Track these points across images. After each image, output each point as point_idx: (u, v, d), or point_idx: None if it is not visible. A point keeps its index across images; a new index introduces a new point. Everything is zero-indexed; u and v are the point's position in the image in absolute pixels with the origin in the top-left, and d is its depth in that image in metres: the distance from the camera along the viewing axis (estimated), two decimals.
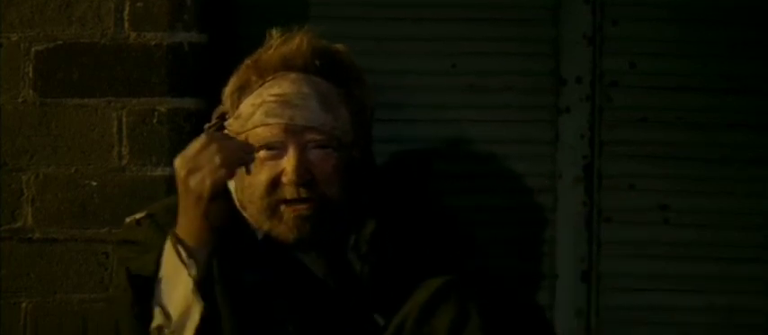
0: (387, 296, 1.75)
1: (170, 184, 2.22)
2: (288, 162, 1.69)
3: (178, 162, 1.68)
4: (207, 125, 1.80)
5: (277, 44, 1.75)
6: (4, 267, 2.26)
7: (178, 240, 1.66)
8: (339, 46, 1.79)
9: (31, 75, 2.22)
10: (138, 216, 1.79)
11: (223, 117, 1.78)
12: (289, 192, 1.70)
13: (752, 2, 2.31)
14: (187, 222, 1.66)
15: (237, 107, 1.74)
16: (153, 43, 2.21)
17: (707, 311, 2.35)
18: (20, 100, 2.23)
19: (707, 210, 2.34)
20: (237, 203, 1.78)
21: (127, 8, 2.20)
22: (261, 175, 1.71)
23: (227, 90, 1.77)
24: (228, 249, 1.71)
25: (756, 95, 2.32)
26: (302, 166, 1.69)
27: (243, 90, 1.74)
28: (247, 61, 1.77)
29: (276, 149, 1.71)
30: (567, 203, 2.34)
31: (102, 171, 2.23)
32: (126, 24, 2.21)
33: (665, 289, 2.35)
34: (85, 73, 2.21)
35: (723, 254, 2.35)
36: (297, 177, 1.68)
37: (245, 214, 1.77)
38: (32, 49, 2.22)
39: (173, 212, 1.73)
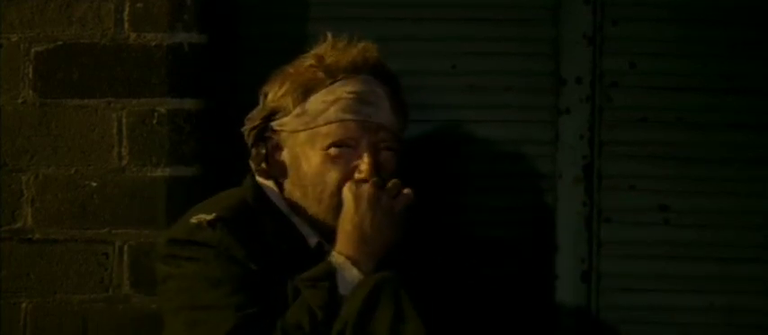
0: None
1: (170, 184, 2.22)
2: (364, 161, 1.73)
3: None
4: (247, 127, 1.79)
5: (341, 47, 1.79)
6: (4, 268, 2.26)
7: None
8: None
9: (30, 75, 2.22)
10: (207, 218, 1.74)
11: (270, 117, 1.78)
12: None
13: (752, 2, 2.31)
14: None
15: (300, 105, 1.75)
16: (153, 44, 2.21)
17: (707, 311, 2.35)
18: (20, 100, 2.23)
19: (707, 210, 2.34)
20: (285, 208, 1.78)
21: (127, 9, 2.20)
22: (331, 172, 1.73)
23: (283, 90, 1.78)
24: (282, 258, 1.72)
25: (756, 95, 2.32)
26: (376, 165, 1.73)
27: (310, 89, 1.76)
28: (309, 61, 1.79)
29: (348, 147, 1.73)
30: (566, 204, 2.34)
31: (102, 172, 2.23)
32: (126, 25, 2.21)
33: (665, 289, 2.35)
34: (85, 73, 2.22)
35: (723, 254, 2.34)
36: (373, 173, 1.72)
37: (294, 220, 1.77)
38: (32, 50, 2.22)
39: (242, 214, 1.75)
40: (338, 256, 1.68)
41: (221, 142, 2.32)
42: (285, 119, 1.77)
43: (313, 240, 1.78)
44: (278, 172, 1.82)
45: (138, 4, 2.20)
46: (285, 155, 1.79)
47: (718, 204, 2.33)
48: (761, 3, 2.31)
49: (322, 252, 1.77)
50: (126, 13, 2.20)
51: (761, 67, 2.31)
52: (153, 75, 2.21)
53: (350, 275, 1.66)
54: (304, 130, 1.74)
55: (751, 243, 2.34)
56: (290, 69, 1.81)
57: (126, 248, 2.25)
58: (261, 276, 1.70)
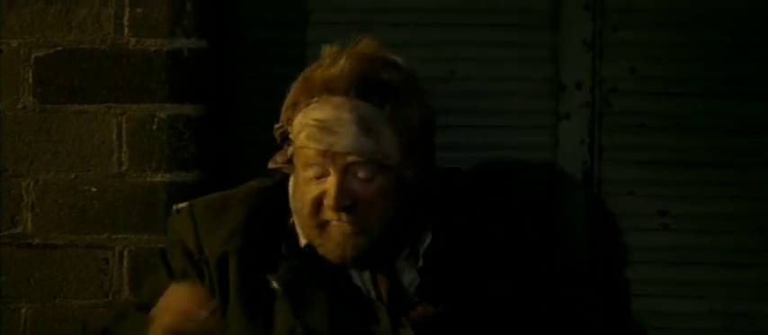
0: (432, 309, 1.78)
1: (170, 189, 2.23)
2: (329, 186, 1.70)
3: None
4: (276, 126, 1.81)
5: (326, 64, 1.74)
6: (3, 273, 2.26)
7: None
8: (397, 58, 1.79)
9: (30, 81, 2.23)
10: (180, 206, 1.86)
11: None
12: (330, 215, 1.72)
13: (752, 6, 2.30)
14: None
15: (291, 123, 1.76)
16: (153, 49, 2.21)
17: (707, 316, 2.34)
18: (20, 106, 2.23)
19: (707, 215, 2.33)
20: (291, 203, 1.80)
21: (127, 14, 2.21)
22: (307, 194, 1.73)
23: (287, 101, 1.78)
24: (263, 248, 1.76)
25: (756, 99, 2.31)
26: (342, 192, 1.69)
27: (295, 107, 1.75)
28: (300, 78, 1.77)
29: (319, 172, 1.72)
30: (567, 209, 2.34)
31: (102, 177, 2.23)
32: (126, 30, 2.21)
33: (664, 295, 2.35)
34: (85, 79, 2.22)
35: (723, 259, 2.34)
36: (335, 203, 1.69)
37: (294, 219, 1.80)
38: (32, 55, 2.22)
39: (212, 209, 1.81)
40: None
41: (221, 148, 2.32)
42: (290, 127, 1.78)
43: (303, 241, 1.79)
44: (292, 177, 1.83)
45: (138, 10, 2.20)
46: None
47: (718, 209, 2.33)
48: (761, 7, 2.30)
49: (314, 254, 1.77)
50: (126, 18, 2.21)
51: (761, 72, 2.31)
52: (153, 80, 2.21)
53: None
54: (295, 144, 1.75)
55: (751, 248, 2.34)
56: (298, 78, 1.80)
57: (126, 253, 2.25)
58: (214, 266, 1.78)
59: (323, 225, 1.72)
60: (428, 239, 1.77)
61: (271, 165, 1.84)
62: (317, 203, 1.72)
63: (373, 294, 1.78)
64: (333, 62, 1.73)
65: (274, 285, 1.76)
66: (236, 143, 2.35)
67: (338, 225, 1.71)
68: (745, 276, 2.34)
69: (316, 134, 1.69)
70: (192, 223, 1.82)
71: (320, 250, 1.74)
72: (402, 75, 1.76)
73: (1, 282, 2.26)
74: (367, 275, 1.79)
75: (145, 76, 2.21)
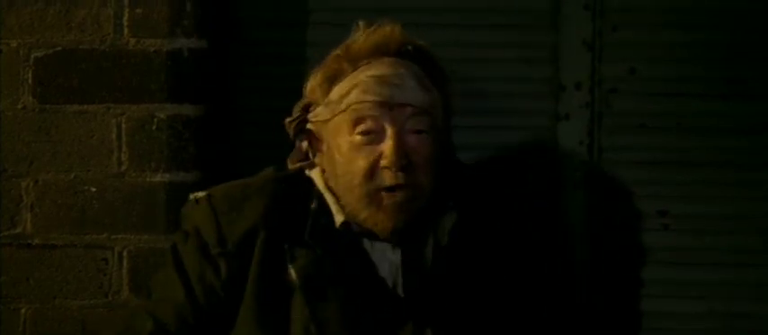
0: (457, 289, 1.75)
1: (169, 190, 2.23)
2: (387, 145, 1.67)
3: None
4: (288, 119, 1.79)
5: (367, 34, 1.76)
6: (3, 273, 2.26)
7: None
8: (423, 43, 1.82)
9: (30, 81, 2.22)
10: (199, 195, 1.80)
11: (307, 109, 1.77)
12: (388, 177, 1.68)
13: (751, 6, 2.31)
14: None
15: (327, 95, 1.73)
16: (152, 49, 2.21)
17: (707, 317, 2.35)
18: (19, 106, 2.23)
19: (706, 215, 2.34)
20: (322, 186, 1.77)
21: (126, 14, 2.20)
22: (359, 160, 1.69)
23: (315, 82, 1.76)
24: (285, 237, 1.73)
25: (756, 99, 2.31)
26: (401, 148, 1.67)
27: (334, 78, 1.73)
28: (336, 51, 1.76)
29: (373, 134, 1.69)
30: (566, 210, 2.34)
31: (102, 177, 2.23)
32: (125, 30, 2.21)
33: (664, 295, 2.35)
34: (85, 79, 2.22)
35: (723, 259, 2.34)
36: (397, 160, 1.66)
37: (327, 197, 1.75)
38: (32, 56, 2.22)
39: (230, 199, 1.76)
40: None
41: (221, 148, 2.32)
42: (318, 109, 1.76)
43: (339, 218, 1.75)
44: (321, 162, 1.80)
45: (138, 10, 2.20)
46: (324, 146, 1.78)
47: (718, 210, 2.33)
48: (760, 7, 2.30)
49: (351, 233, 1.74)
50: (125, 18, 2.21)
51: (760, 72, 2.31)
52: (152, 80, 2.21)
53: None
54: (331, 118, 1.72)
55: (751, 248, 2.34)
56: (324, 60, 1.80)
57: (125, 253, 2.25)
58: (228, 262, 1.74)
59: (374, 196, 1.69)
60: (455, 217, 1.76)
61: (291, 166, 1.84)
62: (371, 170, 1.68)
63: (399, 282, 1.75)
64: (375, 30, 1.75)
65: (293, 275, 1.72)
66: (235, 143, 2.35)
67: (391, 194, 1.68)
68: (745, 276, 2.34)
69: (374, 87, 1.68)
70: (211, 214, 1.76)
71: (368, 222, 1.70)
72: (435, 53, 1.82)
73: (0, 282, 2.26)
74: (398, 253, 1.76)
75: (144, 77, 2.21)
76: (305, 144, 1.81)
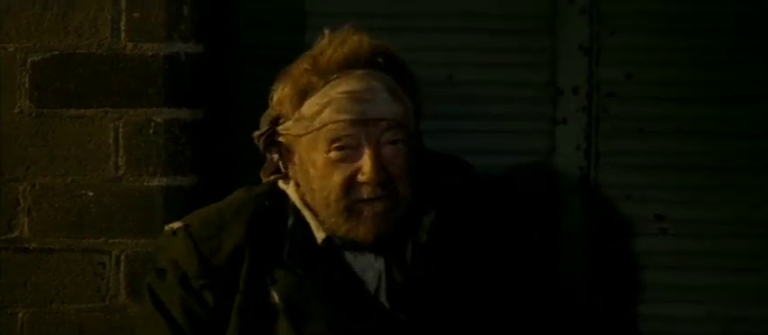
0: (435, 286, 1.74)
1: (166, 194, 2.22)
2: (365, 161, 1.66)
3: None
4: (257, 133, 1.78)
5: (335, 45, 1.73)
6: (0, 277, 2.26)
7: None
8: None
9: (27, 85, 2.22)
10: (174, 226, 1.76)
11: (276, 122, 1.76)
12: (366, 191, 1.68)
13: (748, 11, 2.31)
14: None
15: (297, 110, 1.72)
16: (150, 54, 2.21)
17: (706, 321, 2.35)
18: (16, 110, 2.23)
19: (704, 220, 2.34)
20: (298, 203, 1.76)
21: (123, 19, 2.20)
22: (334, 176, 1.68)
23: (283, 94, 1.74)
24: (266, 261, 1.71)
25: (754, 103, 2.32)
26: (379, 164, 1.67)
27: (305, 93, 1.71)
28: (304, 65, 1.74)
29: (349, 149, 1.68)
30: (564, 214, 2.34)
31: (99, 181, 2.23)
32: (123, 35, 2.21)
33: (663, 299, 2.35)
34: (82, 83, 2.22)
35: (721, 264, 2.34)
36: (376, 176, 1.66)
37: (305, 214, 1.74)
38: (29, 60, 2.22)
39: (209, 227, 1.73)
40: None
41: (218, 152, 2.32)
42: (288, 123, 1.74)
43: (320, 235, 1.74)
44: (295, 175, 1.79)
45: (135, 14, 2.20)
46: (296, 159, 1.77)
47: (716, 214, 2.33)
48: (757, 12, 2.31)
49: (333, 248, 1.74)
50: (123, 23, 2.21)
51: (758, 76, 2.31)
52: (150, 85, 2.21)
53: None
54: (305, 134, 1.72)
55: (750, 252, 2.34)
56: (292, 70, 1.78)
57: (123, 257, 2.25)
58: (212, 291, 1.71)
59: (352, 208, 1.68)
60: (434, 213, 1.76)
61: (265, 179, 1.82)
62: (347, 185, 1.68)
63: (384, 295, 1.74)
64: (344, 41, 1.73)
65: (275, 298, 1.70)
66: (233, 148, 2.35)
67: (371, 205, 1.68)
68: (743, 280, 2.34)
69: (347, 105, 1.67)
70: (191, 244, 1.72)
71: (350, 235, 1.70)
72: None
73: None
74: (381, 261, 1.76)
75: (142, 81, 2.21)
76: (276, 157, 1.79)
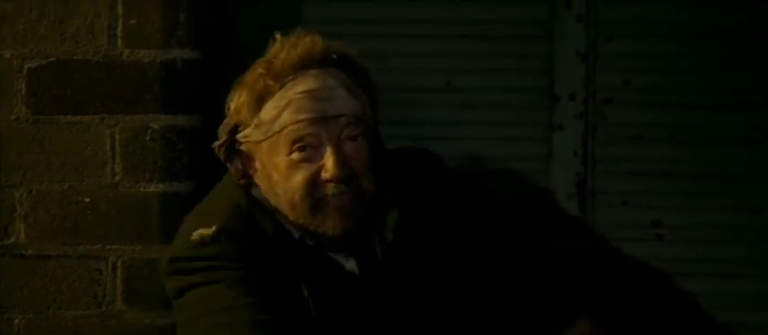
0: (407, 282, 1.75)
1: (163, 200, 2.22)
2: (328, 159, 1.67)
3: None
4: (216, 144, 1.78)
5: (288, 47, 1.73)
6: None
7: None
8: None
9: (24, 92, 2.22)
10: (206, 232, 1.72)
11: (235, 130, 1.75)
12: (330, 188, 1.68)
13: (744, 18, 2.31)
14: None
15: (256, 115, 1.72)
16: (146, 60, 2.21)
17: None
18: (13, 117, 2.23)
19: (700, 226, 2.34)
20: (267, 205, 1.75)
21: (120, 25, 2.20)
22: (297, 176, 1.68)
23: (240, 102, 1.73)
24: (280, 256, 1.70)
25: (751, 110, 2.32)
26: (342, 160, 1.67)
27: (261, 98, 1.71)
28: (259, 70, 1.73)
29: (310, 148, 1.68)
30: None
31: (95, 188, 2.23)
32: (119, 41, 2.20)
33: None
34: (79, 90, 2.21)
35: (716, 270, 2.35)
36: (338, 173, 1.66)
37: (279, 217, 1.74)
38: (25, 66, 2.21)
39: (239, 222, 1.72)
40: None
41: (214, 158, 2.31)
42: (247, 131, 1.74)
43: (296, 235, 1.75)
44: (257, 181, 1.79)
45: (132, 21, 2.20)
46: (257, 166, 1.77)
47: (712, 220, 2.34)
48: (753, 19, 2.31)
49: (305, 246, 1.75)
50: (119, 29, 2.20)
51: (755, 83, 2.32)
52: (146, 91, 2.21)
53: None
54: (265, 139, 1.72)
55: (745, 259, 2.34)
56: (246, 77, 1.78)
57: (119, 263, 2.24)
58: (268, 280, 1.69)
59: (317, 204, 1.69)
60: (397, 212, 1.77)
61: (241, 182, 1.82)
62: (311, 184, 1.68)
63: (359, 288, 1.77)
64: (296, 43, 1.73)
65: (305, 292, 1.71)
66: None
67: (337, 198, 1.68)
68: (738, 286, 2.34)
69: (306, 104, 1.67)
70: (235, 242, 1.70)
71: (319, 230, 1.70)
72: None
73: None
74: (353, 262, 1.76)
75: (138, 87, 2.21)
76: (238, 165, 1.79)
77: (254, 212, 1.75)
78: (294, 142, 1.68)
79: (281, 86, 1.70)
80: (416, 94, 2.33)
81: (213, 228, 1.72)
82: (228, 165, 1.79)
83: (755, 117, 2.31)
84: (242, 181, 1.78)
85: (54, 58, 2.21)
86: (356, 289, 1.76)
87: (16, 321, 2.26)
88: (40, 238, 2.25)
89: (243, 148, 1.76)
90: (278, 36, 1.76)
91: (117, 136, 2.22)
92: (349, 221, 1.70)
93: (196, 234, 1.72)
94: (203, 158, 2.26)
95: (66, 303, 2.25)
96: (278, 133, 1.69)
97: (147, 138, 2.22)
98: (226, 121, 1.77)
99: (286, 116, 1.68)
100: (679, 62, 2.31)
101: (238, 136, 1.75)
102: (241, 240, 1.70)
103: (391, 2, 2.35)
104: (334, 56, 1.73)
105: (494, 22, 2.33)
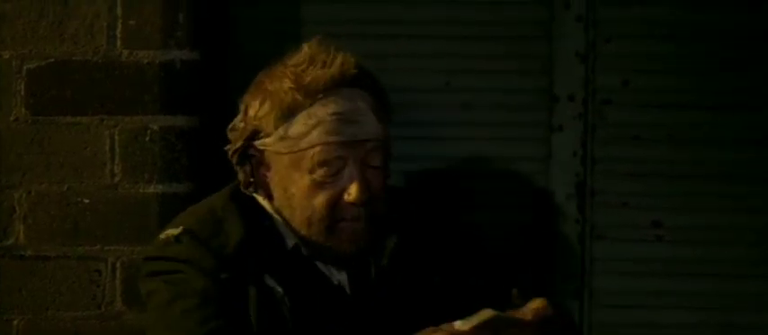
0: (399, 307, 1.75)
1: (162, 201, 2.22)
2: (353, 183, 1.67)
3: None
4: (230, 147, 1.77)
5: (319, 63, 1.71)
6: None
7: None
8: None
9: (23, 93, 2.22)
10: (173, 232, 1.72)
11: (252, 137, 1.74)
12: (351, 212, 1.68)
13: (744, 18, 2.31)
14: None
15: (281, 127, 1.69)
16: (145, 61, 2.21)
17: (700, 327, 2.35)
18: (12, 118, 2.23)
19: (700, 227, 2.34)
20: (273, 211, 1.75)
21: (119, 26, 2.20)
22: (319, 196, 1.68)
23: (263, 111, 1.71)
24: (257, 257, 1.70)
25: (750, 111, 2.32)
26: (365, 185, 1.67)
27: (290, 112, 1.69)
28: (287, 83, 1.70)
29: (334, 169, 1.68)
30: (559, 221, 2.34)
31: (95, 189, 2.23)
32: (118, 42, 2.21)
33: (658, 306, 2.35)
34: (78, 91, 2.21)
35: (717, 270, 2.34)
36: (361, 197, 1.66)
37: (275, 221, 1.74)
38: (25, 67, 2.22)
39: (208, 225, 1.71)
40: None
41: (213, 159, 2.32)
42: (268, 140, 1.73)
43: (290, 242, 1.74)
44: (266, 189, 1.79)
45: (131, 22, 2.20)
46: (272, 175, 1.77)
47: (712, 221, 2.34)
48: (753, 19, 2.31)
49: (299, 255, 1.75)
50: (118, 30, 2.20)
51: (753, 85, 2.32)
52: (145, 92, 2.21)
53: None
54: (288, 153, 1.72)
55: (744, 259, 2.34)
56: (269, 85, 1.75)
57: (118, 264, 2.25)
58: (232, 284, 1.68)
59: (333, 225, 1.68)
60: (395, 239, 1.77)
61: (246, 191, 1.82)
62: (332, 206, 1.68)
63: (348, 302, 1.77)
64: (328, 61, 1.71)
65: (279, 291, 1.70)
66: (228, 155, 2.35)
67: (350, 224, 1.68)
68: (739, 287, 2.34)
69: (337, 127, 1.67)
70: (199, 244, 1.69)
71: (332, 248, 1.69)
72: None
73: None
74: (344, 275, 1.77)
75: (137, 88, 2.21)
76: (248, 169, 1.79)
77: (226, 217, 1.74)
78: (321, 164, 1.68)
79: (312, 103, 1.69)
80: (416, 94, 2.33)
81: (179, 228, 1.72)
82: (238, 168, 1.79)
83: (755, 117, 2.31)
84: (250, 190, 1.78)
85: (53, 59, 2.21)
86: (341, 302, 1.76)
87: (15, 322, 2.26)
88: (40, 239, 2.25)
89: (258, 154, 1.76)
90: (305, 46, 1.74)
91: (116, 137, 2.22)
92: (362, 243, 1.70)
93: (164, 234, 1.73)
94: (202, 159, 2.27)
95: (66, 303, 2.25)
96: (304, 151, 1.68)
97: (147, 139, 2.22)
98: (241, 125, 1.76)
99: (315, 136, 1.67)
100: (678, 63, 2.32)
101: (256, 143, 1.75)
102: (203, 244, 1.69)
103: (391, 3, 2.36)
104: (367, 80, 1.72)
105: (493, 23, 2.33)
